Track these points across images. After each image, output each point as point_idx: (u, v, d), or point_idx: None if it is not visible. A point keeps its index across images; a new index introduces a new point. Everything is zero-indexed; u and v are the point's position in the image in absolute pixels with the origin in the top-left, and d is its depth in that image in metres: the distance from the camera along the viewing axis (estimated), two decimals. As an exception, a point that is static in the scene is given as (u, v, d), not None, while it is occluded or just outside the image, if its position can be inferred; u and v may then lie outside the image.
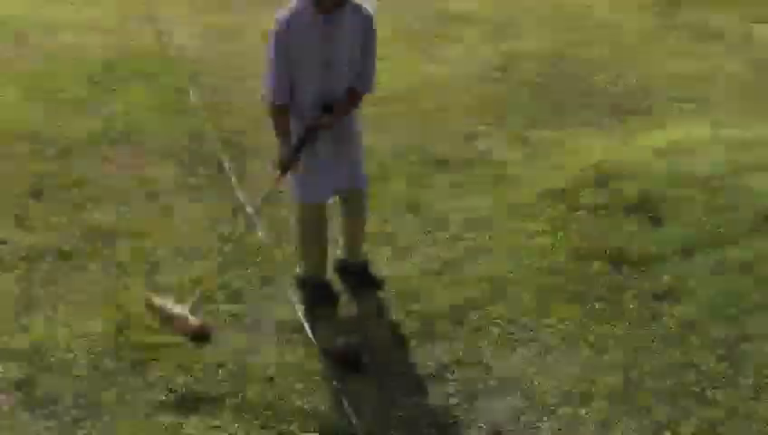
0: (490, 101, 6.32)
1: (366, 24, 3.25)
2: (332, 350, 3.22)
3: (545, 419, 2.90)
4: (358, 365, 3.17)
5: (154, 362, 3.16)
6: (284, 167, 3.35)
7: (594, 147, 5.23)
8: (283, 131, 3.34)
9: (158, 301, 3.47)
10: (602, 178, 4.50)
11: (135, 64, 6.06)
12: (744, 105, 6.19)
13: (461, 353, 3.24)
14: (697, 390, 2.99)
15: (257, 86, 3.74)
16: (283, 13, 3.19)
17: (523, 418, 2.90)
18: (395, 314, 3.48)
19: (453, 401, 3.01)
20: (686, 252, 3.71)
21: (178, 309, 3.39)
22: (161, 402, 2.96)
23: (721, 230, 3.81)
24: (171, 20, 6.86)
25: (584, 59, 7.39)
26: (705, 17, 8.99)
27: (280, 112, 3.32)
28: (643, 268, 3.68)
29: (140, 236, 4.05)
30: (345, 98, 3.32)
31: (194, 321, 3.34)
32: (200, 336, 3.31)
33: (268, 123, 3.44)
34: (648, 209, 4.08)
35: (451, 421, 2.91)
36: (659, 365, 3.13)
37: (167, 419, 2.90)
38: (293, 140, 3.31)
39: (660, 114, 6.03)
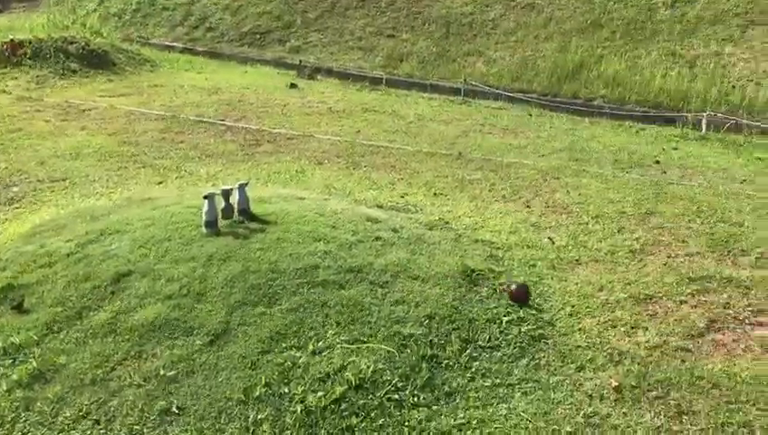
0: None
1: None
2: None
3: None
4: None
5: None
6: None
7: (-44, 246, 4.77)
8: None
9: None
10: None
11: None
12: (110, 174, 6.49)
13: None
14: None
15: None
16: None
17: None
18: None
19: None
20: (54, 331, 3.65)
21: None
22: None
23: (84, 300, 3.86)
24: None
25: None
26: (67, 97, 9.19)
27: None
28: (11, 359, 3.49)
29: None
30: None
31: None
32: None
33: None
34: (12, 298, 3.89)
35: None
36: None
37: None
38: None
39: (31, 198, 5.87)
